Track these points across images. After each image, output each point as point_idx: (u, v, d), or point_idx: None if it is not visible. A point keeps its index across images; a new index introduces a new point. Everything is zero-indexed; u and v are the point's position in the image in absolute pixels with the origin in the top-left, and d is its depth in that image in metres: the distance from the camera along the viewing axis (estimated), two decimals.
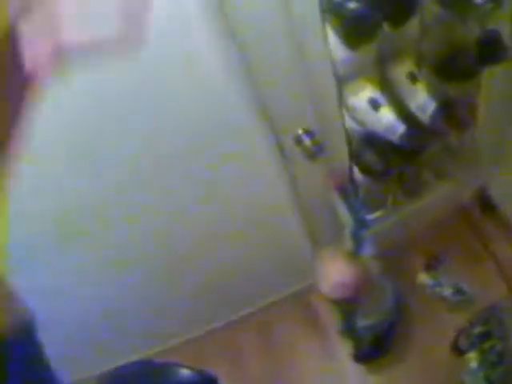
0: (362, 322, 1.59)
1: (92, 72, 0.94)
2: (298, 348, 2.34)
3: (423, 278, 2.26)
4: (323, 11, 1.33)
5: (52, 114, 1.04)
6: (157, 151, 1.46)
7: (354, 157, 1.72)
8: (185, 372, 1.47)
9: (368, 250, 1.65)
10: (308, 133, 1.55)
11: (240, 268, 2.05)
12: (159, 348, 2.38)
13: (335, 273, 1.49)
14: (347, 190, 1.73)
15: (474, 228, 2.37)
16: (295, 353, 2.33)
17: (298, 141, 1.55)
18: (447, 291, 2.21)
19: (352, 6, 1.32)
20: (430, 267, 2.28)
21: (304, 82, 1.44)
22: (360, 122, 1.57)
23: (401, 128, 1.46)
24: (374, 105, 1.46)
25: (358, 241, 1.66)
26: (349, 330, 1.64)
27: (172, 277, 1.95)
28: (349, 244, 1.69)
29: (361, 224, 1.69)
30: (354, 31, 1.35)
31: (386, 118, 1.46)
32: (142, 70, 1.21)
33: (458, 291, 2.20)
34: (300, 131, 1.54)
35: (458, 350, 2.06)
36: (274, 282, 2.30)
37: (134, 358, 2.27)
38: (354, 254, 1.63)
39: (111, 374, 1.53)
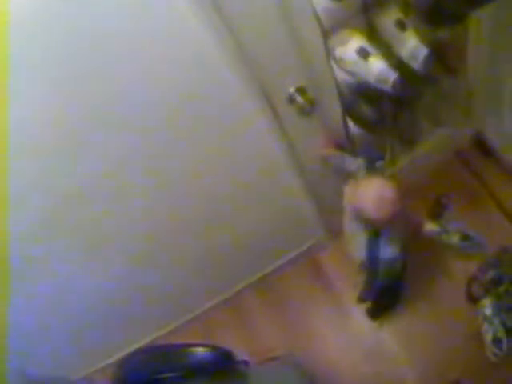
0: (384, 253, 1.58)
1: None
2: (309, 308, 2.37)
3: (429, 226, 2.25)
4: None
5: None
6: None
7: (348, 109, 1.70)
8: (199, 350, 1.50)
9: None
10: (300, 90, 1.53)
11: (244, 233, 2.06)
12: (169, 328, 2.42)
13: (377, 190, 1.45)
14: (345, 144, 1.72)
15: (473, 172, 2.36)
16: (306, 313, 2.36)
17: (291, 99, 1.53)
18: (454, 238, 2.21)
19: None
20: (434, 215, 2.27)
21: (290, 37, 1.42)
22: (350, 73, 1.55)
23: (393, 76, 1.44)
24: (363, 54, 1.45)
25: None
26: (372, 261, 1.62)
27: (176, 249, 1.95)
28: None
29: (371, 161, 1.66)
30: None
31: (377, 67, 1.44)
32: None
33: (465, 237, 2.20)
34: (291, 89, 1.53)
35: (472, 298, 2.08)
36: (278, 244, 2.30)
37: (146, 341, 2.37)
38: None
39: (127, 361, 1.55)
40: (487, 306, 2.01)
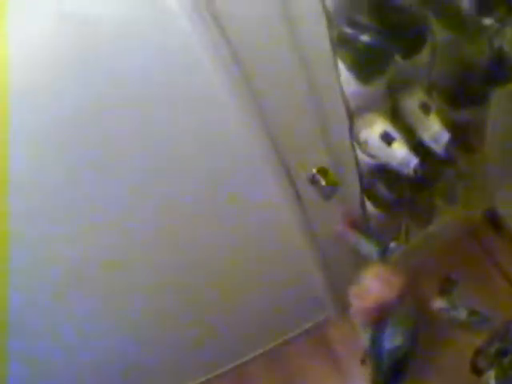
0: (389, 344, 1.55)
1: None
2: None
3: (439, 302, 2.21)
4: (334, 44, 1.32)
5: None
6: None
7: (366, 189, 1.69)
8: None
9: None
10: (322, 172, 1.52)
11: (254, 306, 2.02)
12: None
13: (384, 276, 1.45)
14: (361, 223, 1.71)
15: (485, 249, 2.34)
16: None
17: (313, 181, 1.52)
18: (463, 314, 2.17)
19: (365, 38, 1.30)
20: (444, 291, 2.23)
21: (316, 118, 1.42)
22: (372, 156, 1.53)
23: (414, 161, 1.42)
24: (387, 139, 1.43)
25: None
26: (376, 351, 1.59)
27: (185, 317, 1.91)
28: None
29: (384, 250, 1.67)
30: (367, 64, 1.33)
31: (399, 153, 1.43)
32: None
33: (474, 313, 2.16)
34: (314, 170, 1.52)
35: (477, 371, 2.03)
36: (289, 318, 2.26)
37: None
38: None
39: None
40: (491, 378, 1.97)
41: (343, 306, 2.11)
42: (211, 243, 1.63)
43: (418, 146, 1.49)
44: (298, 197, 1.59)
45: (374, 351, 1.58)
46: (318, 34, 1.30)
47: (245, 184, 1.50)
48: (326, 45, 1.32)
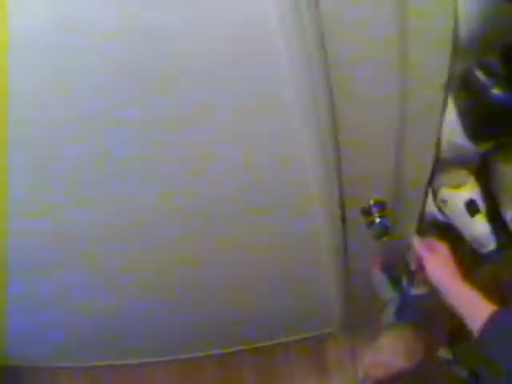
0: None
1: None
2: None
3: (444, 352, 2.05)
4: (453, 83, 1.05)
5: None
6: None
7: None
8: None
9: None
10: (379, 204, 1.29)
11: (265, 303, 1.92)
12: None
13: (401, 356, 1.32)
14: (394, 269, 1.52)
15: None
16: None
17: (366, 211, 1.30)
18: (464, 372, 2.02)
19: (497, 92, 1.01)
20: (453, 342, 2.06)
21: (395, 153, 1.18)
22: (444, 214, 1.29)
23: (492, 244, 1.20)
24: (472, 209, 1.19)
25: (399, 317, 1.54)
26: None
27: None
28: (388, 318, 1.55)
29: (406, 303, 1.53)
30: (489, 123, 1.07)
31: (480, 229, 1.19)
32: None
33: (475, 376, 2.01)
34: (371, 202, 1.29)
35: None
36: (289, 324, 2.16)
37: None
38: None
39: None
40: None
41: (349, 327, 2.08)
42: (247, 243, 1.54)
43: (499, 225, 1.24)
44: (343, 220, 1.38)
45: None
46: (435, 64, 1.05)
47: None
48: (441, 78, 1.05)
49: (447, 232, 1.40)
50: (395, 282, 1.54)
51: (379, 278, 1.56)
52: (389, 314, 1.57)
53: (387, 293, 1.53)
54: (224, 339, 2.20)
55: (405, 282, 1.59)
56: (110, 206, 1.36)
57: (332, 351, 2.22)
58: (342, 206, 1.31)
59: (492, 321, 0.94)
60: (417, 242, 1.19)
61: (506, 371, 0.92)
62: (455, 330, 2.09)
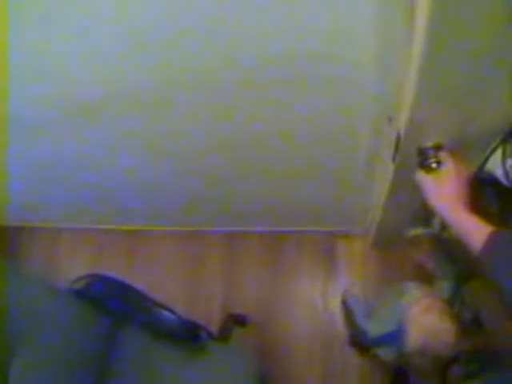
0: None
1: None
2: (302, 280, 2.35)
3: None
4: None
5: None
6: None
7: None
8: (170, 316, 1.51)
9: None
10: (438, 147, 1.27)
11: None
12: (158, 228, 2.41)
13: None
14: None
15: None
16: (298, 282, 2.34)
17: (422, 152, 1.29)
18: (467, 314, 2.09)
19: None
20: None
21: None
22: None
23: None
24: None
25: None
26: None
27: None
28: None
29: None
30: None
31: None
32: None
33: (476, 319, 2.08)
34: (429, 144, 1.27)
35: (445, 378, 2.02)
36: (316, 214, 2.21)
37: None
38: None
39: (98, 280, 1.55)
40: None
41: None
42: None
43: None
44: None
45: None
46: None
47: None
48: None
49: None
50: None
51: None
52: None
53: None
54: (236, 219, 2.27)
55: None
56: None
57: (343, 250, 2.33)
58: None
59: (491, 240, 1.00)
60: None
61: (505, 290, 0.97)
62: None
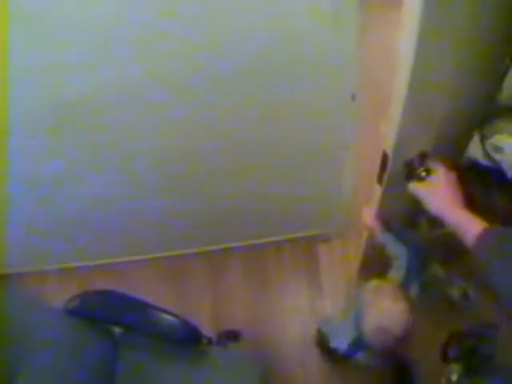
0: None
1: None
2: (287, 289, 2.30)
3: (438, 269, 2.13)
4: None
5: None
6: None
7: None
8: (169, 318, 1.46)
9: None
10: (423, 156, 1.24)
11: (268, 196, 1.97)
12: (137, 257, 2.33)
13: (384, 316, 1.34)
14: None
15: None
16: (282, 293, 2.29)
17: (409, 164, 1.25)
18: (455, 292, 2.12)
19: None
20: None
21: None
22: (494, 160, 1.26)
23: None
24: None
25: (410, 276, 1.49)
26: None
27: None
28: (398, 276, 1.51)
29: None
30: None
31: None
32: None
33: (466, 296, 2.12)
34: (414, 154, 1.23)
35: (445, 357, 2.03)
36: (290, 220, 2.19)
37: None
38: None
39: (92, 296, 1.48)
40: (454, 373, 1.98)
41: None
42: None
43: None
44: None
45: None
46: None
47: None
48: None
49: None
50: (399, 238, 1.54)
51: (383, 238, 1.55)
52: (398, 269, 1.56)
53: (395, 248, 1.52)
54: (214, 236, 2.22)
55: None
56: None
57: (324, 254, 2.32)
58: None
59: (483, 236, 1.01)
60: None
61: (496, 284, 0.97)
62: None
